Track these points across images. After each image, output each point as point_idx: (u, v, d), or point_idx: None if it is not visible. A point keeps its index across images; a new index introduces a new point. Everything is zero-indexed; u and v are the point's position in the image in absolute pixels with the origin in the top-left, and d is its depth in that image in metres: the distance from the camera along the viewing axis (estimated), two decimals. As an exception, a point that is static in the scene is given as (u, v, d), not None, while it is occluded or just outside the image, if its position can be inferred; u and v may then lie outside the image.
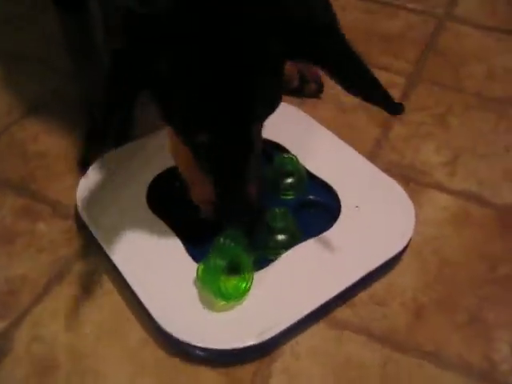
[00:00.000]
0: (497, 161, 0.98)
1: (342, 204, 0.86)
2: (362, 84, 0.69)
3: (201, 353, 0.72)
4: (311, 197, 0.90)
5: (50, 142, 1.00)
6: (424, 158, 0.98)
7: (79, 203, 0.85)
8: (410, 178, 0.94)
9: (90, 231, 0.83)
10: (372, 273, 0.79)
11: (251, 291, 0.75)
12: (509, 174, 0.96)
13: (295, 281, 0.78)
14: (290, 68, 1.03)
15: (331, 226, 0.83)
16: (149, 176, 0.89)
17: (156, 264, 0.79)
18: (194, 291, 0.75)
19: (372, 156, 0.97)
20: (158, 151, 0.90)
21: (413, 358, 0.73)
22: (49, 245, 0.85)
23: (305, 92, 1.08)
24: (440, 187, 0.94)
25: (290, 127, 0.97)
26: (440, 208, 0.90)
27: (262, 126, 0.76)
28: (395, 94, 1.09)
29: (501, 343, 0.76)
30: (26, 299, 0.78)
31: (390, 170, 0.95)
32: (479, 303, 0.79)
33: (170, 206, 0.86)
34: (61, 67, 1.13)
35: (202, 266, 0.74)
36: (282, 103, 0.94)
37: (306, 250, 0.81)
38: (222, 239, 0.75)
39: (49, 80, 1.12)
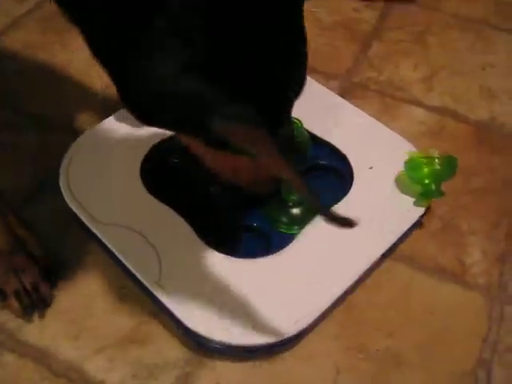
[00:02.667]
0: (473, 78, 1.00)
1: (354, 167, 0.80)
2: None
3: (229, 350, 0.67)
4: (318, 161, 0.83)
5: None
6: (402, 75, 0.99)
7: (63, 184, 0.77)
8: (387, 94, 0.96)
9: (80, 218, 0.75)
10: (400, 238, 0.75)
11: (273, 276, 0.70)
12: (484, 91, 0.98)
13: (321, 258, 0.72)
14: None
15: (346, 191, 0.77)
16: (141, 150, 0.80)
17: (168, 251, 0.71)
18: (212, 280, 0.69)
19: (350, 73, 0.99)
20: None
21: (389, 259, 0.76)
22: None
23: None
24: (417, 102, 0.95)
25: None
26: (416, 122, 0.92)
27: None
28: (373, 13, 1.10)
29: (473, 249, 0.79)
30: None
31: (367, 86, 0.97)
32: (453, 212, 0.82)
33: (167, 183, 0.80)
34: None
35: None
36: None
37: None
38: None
39: None
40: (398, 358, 0.69)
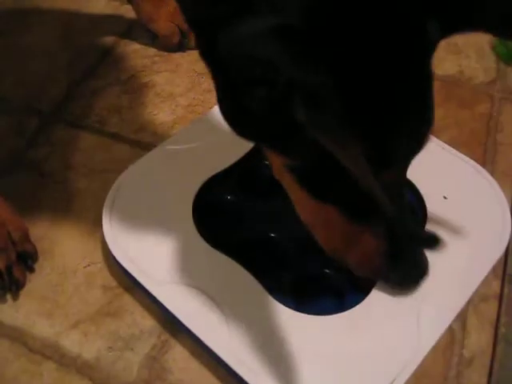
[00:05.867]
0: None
1: (425, 197, 0.72)
2: None
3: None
4: None
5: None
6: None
7: (106, 232, 0.70)
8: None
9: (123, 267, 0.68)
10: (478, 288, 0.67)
11: (351, 335, 0.62)
12: (451, 46, 0.98)
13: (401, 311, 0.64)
14: (167, 24, 0.96)
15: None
16: (192, 188, 0.72)
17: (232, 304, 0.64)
18: (281, 340, 0.62)
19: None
20: (200, 154, 0.75)
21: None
22: None
23: (187, 45, 1.00)
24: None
25: None
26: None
27: None
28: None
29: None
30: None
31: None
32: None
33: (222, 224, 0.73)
34: None
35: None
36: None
37: None
38: None
39: None
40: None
